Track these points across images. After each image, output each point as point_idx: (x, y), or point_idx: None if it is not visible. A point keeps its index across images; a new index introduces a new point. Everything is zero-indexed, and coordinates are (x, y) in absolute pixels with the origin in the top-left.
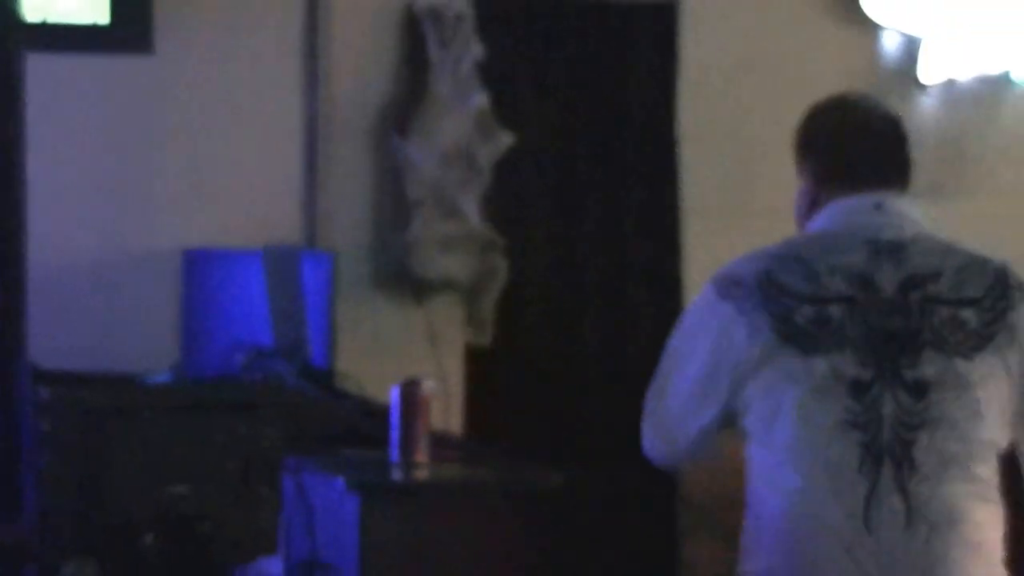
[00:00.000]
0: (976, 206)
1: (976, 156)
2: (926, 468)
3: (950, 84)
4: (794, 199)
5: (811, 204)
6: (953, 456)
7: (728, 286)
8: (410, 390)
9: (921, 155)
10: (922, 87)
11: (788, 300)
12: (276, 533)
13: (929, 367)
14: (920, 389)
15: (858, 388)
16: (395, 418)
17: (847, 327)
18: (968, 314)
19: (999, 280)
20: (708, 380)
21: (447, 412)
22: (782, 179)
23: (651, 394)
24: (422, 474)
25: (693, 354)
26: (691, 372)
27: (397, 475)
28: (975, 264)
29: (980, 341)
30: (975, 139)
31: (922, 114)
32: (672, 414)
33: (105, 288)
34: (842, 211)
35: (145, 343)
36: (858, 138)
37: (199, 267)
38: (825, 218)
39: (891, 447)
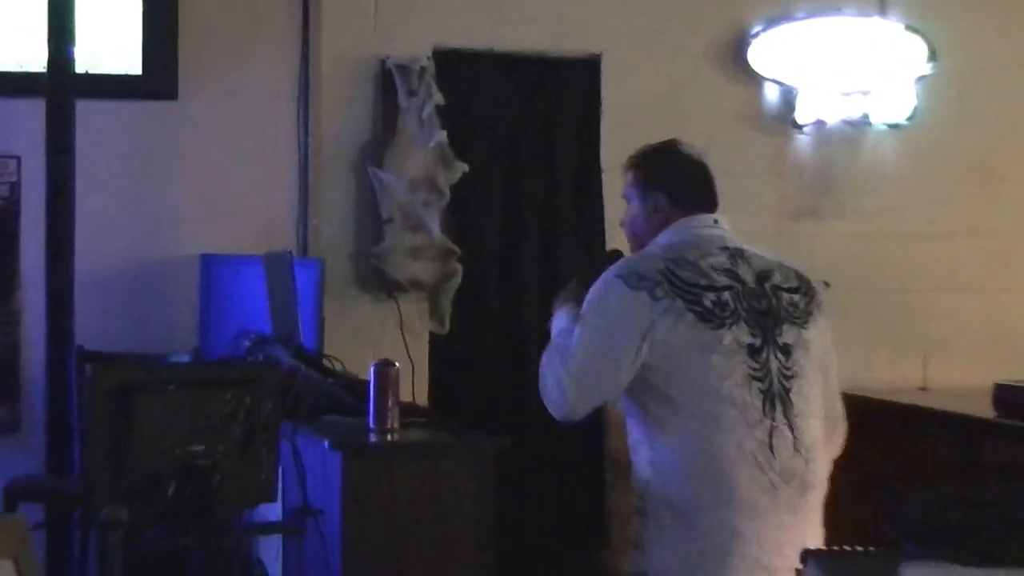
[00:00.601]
0: (843, 225)
1: (842, 184)
2: (799, 408)
3: (820, 125)
4: (629, 221)
5: (663, 222)
6: (812, 398)
7: (637, 280)
8: (383, 369)
9: (799, 184)
10: (798, 127)
11: (695, 290)
12: (274, 484)
13: (788, 335)
14: (787, 351)
15: (753, 351)
16: (371, 392)
17: (737, 308)
18: (797, 298)
19: (798, 275)
20: (633, 352)
21: (414, 387)
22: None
23: (577, 366)
24: (393, 437)
25: (618, 331)
26: (617, 346)
27: (372, 438)
28: (780, 264)
29: (807, 316)
30: (841, 170)
31: (798, 150)
32: (596, 378)
33: (138, 286)
34: (694, 226)
35: (169, 331)
36: (696, 173)
37: (213, 270)
38: (682, 231)
39: (780, 393)
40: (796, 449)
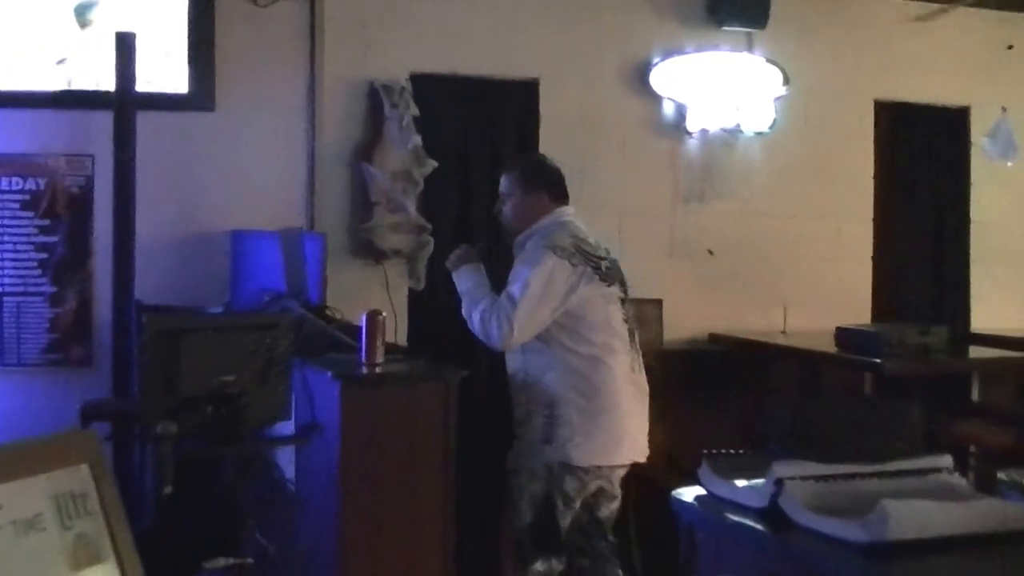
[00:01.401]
0: (722, 207)
1: (721, 176)
2: (638, 344)
3: (705, 132)
4: (513, 209)
5: (542, 211)
6: (635, 335)
7: (559, 250)
8: (372, 317)
9: (689, 176)
10: (688, 133)
11: (594, 259)
12: (288, 406)
13: (624, 292)
14: (625, 303)
15: (622, 302)
16: (363, 335)
17: (611, 272)
18: (618, 266)
19: (605, 250)
20: (559, 300)
21: (396, 332)
22: (601, 187)
23: (523, 312)
24: (379, 370)
25: (551, 289)
26: (551, 299)
27: (364, 370)
28: (598, 242)
29: (623, 280)
30: (720, 166)
31: (688, 151)
32: (535, 319)
33: (182, 254)
34: (568, 215)
35: (206, 289)
36: (560, 176)
37: (241, 242)
38: (561, 217)
39: (632, 331)
40: (642, 369)
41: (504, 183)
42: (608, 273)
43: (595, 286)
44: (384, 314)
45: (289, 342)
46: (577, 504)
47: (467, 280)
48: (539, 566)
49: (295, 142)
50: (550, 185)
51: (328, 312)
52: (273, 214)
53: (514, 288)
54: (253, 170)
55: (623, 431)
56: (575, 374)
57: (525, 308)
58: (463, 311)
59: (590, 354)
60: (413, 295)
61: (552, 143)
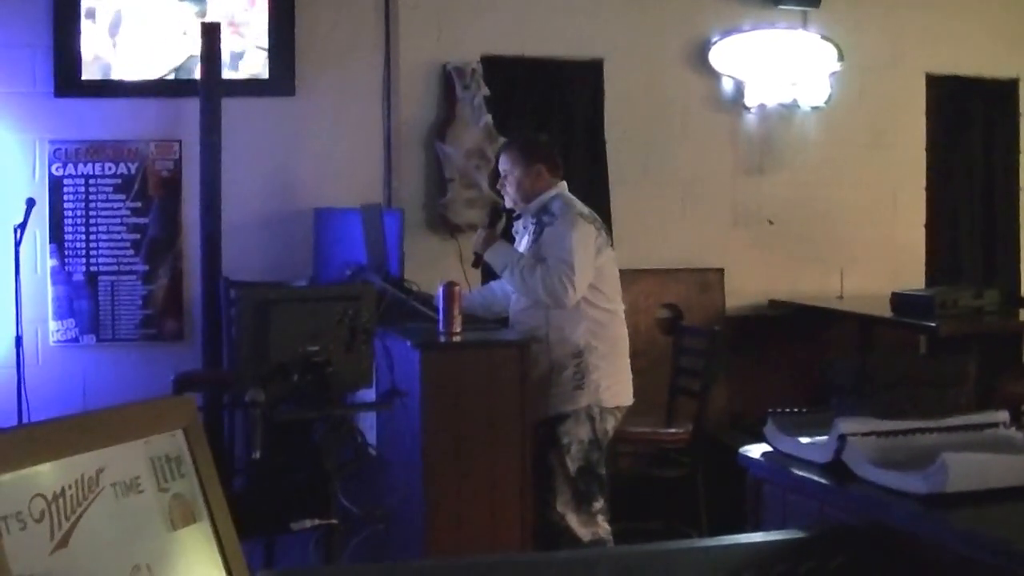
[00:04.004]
0: (780, 178)
1: (779, 149)
2: None
3: (763, 107)
4: (516, 184)
5: (543, 185)
6: None
7: (585, 217)
8: (449, 288)
9: (749, 149)
10: (747, 109)
11: (602, 226)
12: (371, 373)
13: None
14: None
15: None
16: (441, 305)
17: (609, 237)
18: None
19: None
20: (593, 261)
21: None
22: (664, 162)
23: (579, 273)
24: (457, 338)
25: (588, 249)
26: (590, 259)
27: (442, 339)
28: None
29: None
30: (778, 139)
31: (748, 125)
32: (585, 278)
33: (268, 231)
34: (566, 188)
35: (292, 263)
36: (556, 152)
37: (324, 219)
38: (564, 190)
39: None
40: None
41: (503, 161)
42: (609, 238)
43: (608, 249)
44: (460, 285)
45: (371, 313)
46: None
47: (504, 255)
48: (598, 504)
49: (373, 123)
50: (547, 159)
51: (407, 284)
52: (353, 192)
53: (561, 252)
54: (333, 151)
55: (630, 374)
56: (599, 325)
57: (580, 268)
58: (515, 280)
59: (608, 308)
60: (486, 267)
61: (617, 120)
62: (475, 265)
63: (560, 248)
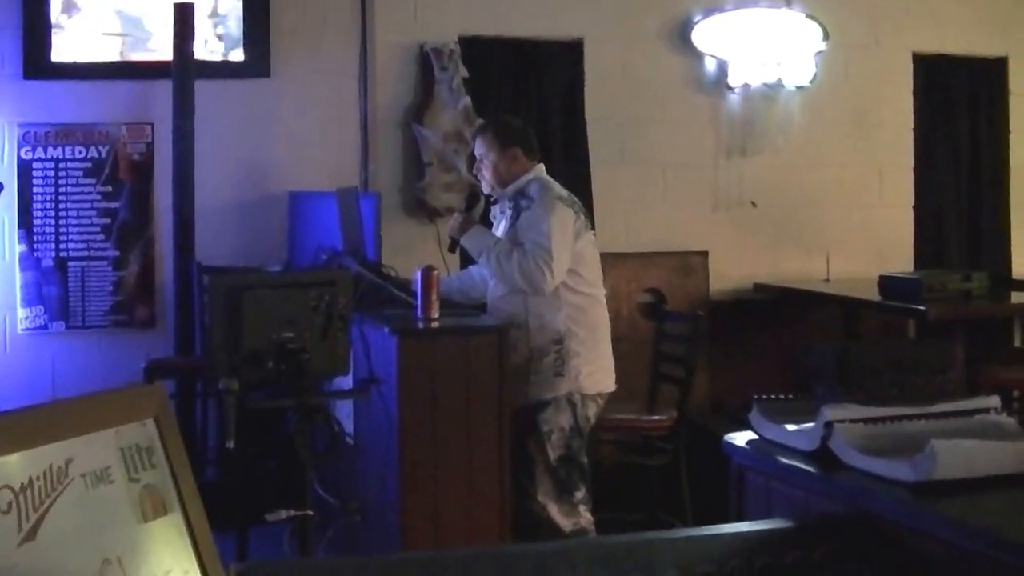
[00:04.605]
0: (764, 159)
1: (762, 130)
2: None
3: (746, 87)
4: (492, 168)
5: (519, 169)
6: None
7: (563, 201)
8: (427, 273)
9: (732, 130)
10: (730, 89)
11: (582, 210)
12: (347, 361)
13: None
14: None
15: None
16: (418, 290)
17: (589, 221)
18: None
19: None
20: (571, 246)
21: None
22: (645, 143)
23: (557, 258)
24: (434, 324)
25: (566, 233)
26: (568, 242)
27: (420, 325)
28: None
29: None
30: (761, 120)
31: (731, 105)
32: (564, 262)
33: (241, 216)
34: (543, 171)
35: (266, 248)
36: (531, 135)
37: (298, 202)
38: (541, 173)
39: None
40: None
41: (478, 145)
42: (588, 221)
43: (588, 233)
44: (438, 270)
45: (347, 299)
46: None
47: (481, 240)
48: (579, 494)
49: (349, 105)
50: (522, 142)
51: (384, 269)
52: (329, 175)
53: (539, 237)
54: (308, 133)
55: (612, 360)
56: (579, 311)
57: (557, 253)
58: (491, 265)
59: (588, 292)
60: (464, 252)
61: (597, 101)
62: (451, 249)
63: (537, 232)
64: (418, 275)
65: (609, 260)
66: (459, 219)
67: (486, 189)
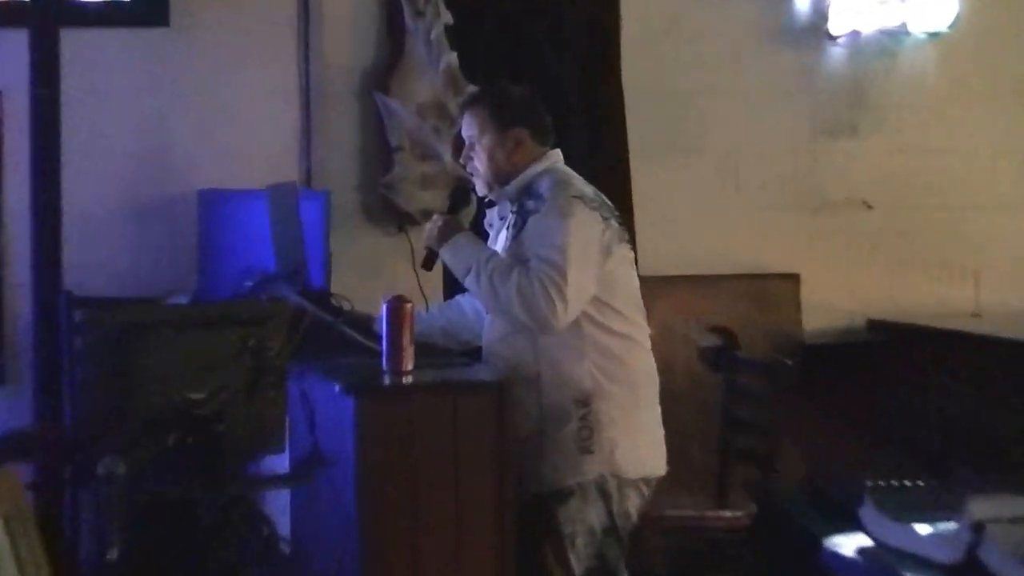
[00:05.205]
0: (880, 141)
1: (878, 98)
2: None
3: (855, 36)
4: (487, 155)
5: (525, 156)
6: None
7: (587, 201)
8: (397, 306)
9: (833, 99)
10: (831, 38)
11: (614, 212)
12: (282, 433)
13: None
14: None
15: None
16: (384, 331)
17: (626, 230)
18: None
19: None
20: (597, 264)
21: None
22: (704, 122)
23: (573, 281)
24: (409, 379)
25: (590, 247)
26: (593, 261)
27: (387, 380)
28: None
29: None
30: (877, 83)
31: (831, 63)
32: (584, 288)
33: (131, 226)
34: (562, 159)
35: (166, 273)
36: (544, 111)
37: (212, 206)
38: (552, 164)
39: None
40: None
41: (468, 124)
42: (624, 230)
43: (624, 247)
44: (412, 302)
45: (282, 343)
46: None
47: (467, 253)
48: None
49: (283, 67)
50: (530, 120)
51: (335, 300)
52: (256, 167)
53: (548, 250)
54: (226, 107)
55: (661, 430)
56: (611, 359)
57: (575, 274)
58: (480, 288)
59: (625, 332)
60: (451, 276)
61: (639, 62)
62: (426, 265)
63: (547, 244)
64: (384, 309)
65: (656, 286)
66: (439, 222)
67: (480, 188)
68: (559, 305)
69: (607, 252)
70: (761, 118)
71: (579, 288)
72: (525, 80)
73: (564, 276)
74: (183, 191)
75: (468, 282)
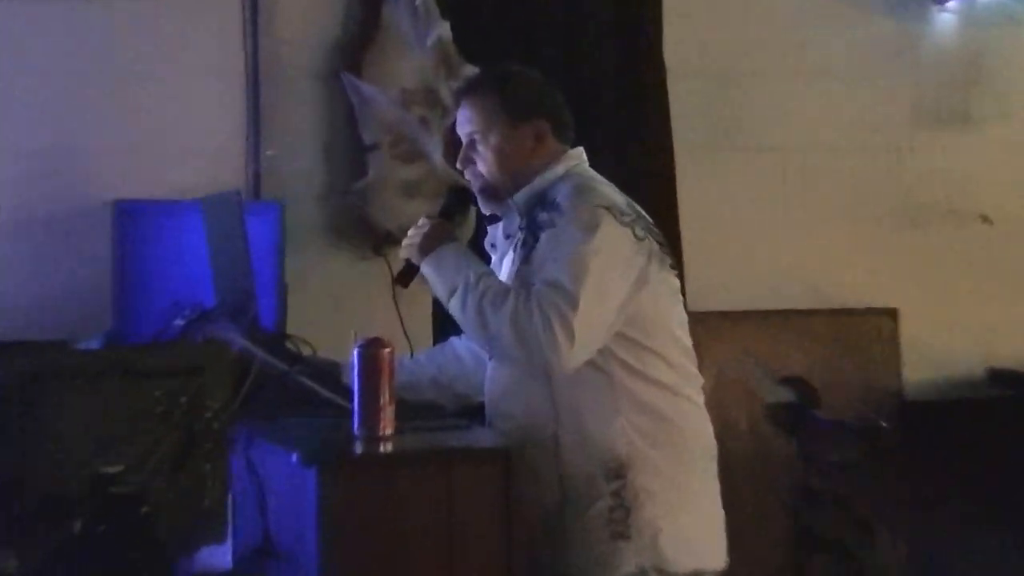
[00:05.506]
0: (1001, 131)
1: (999, 78)
2: None
3: (970, 1)
4: (496, 155)
5: (545, 155)
6: None
7: (617, 214)
8: (372, 352)
9: (942, 80)
10: (939, 3)
11: (651, 227)
12: (223, 516)
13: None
14: None
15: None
16: (356, 383)
17: (668, 252)
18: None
19: None
20: (627, 293)
21: None
22: (767, 112)
23: (585, 310)
24: (387, 446)
25: (614, 269)
26: (617, 289)
27: (359, 447)
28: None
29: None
30: (998, 61)
31: (940, 35)
32: (603, 322)
33: (27, 247)
34: (581, 158)
35: (72, 307)
36: (562, 100)
37: (132, 221)
38: (574, 166)
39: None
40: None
41: (468, 116)
42: (666, 252)
43: (666, 272)
44: (393, 347)
45: (223, 400)
46: None
47: (454, 267)
48: None
49: (223, 41)
50: (551, 112)
51: (291, 344)
52: (188, 171)
53: (556, 270)
54: (150, 94)
55: (720, 511)
56: (652, 417)
57: (588, 303)
58: (467, 315)
59: (669, 382)
60: (442, 311)
61: (685, 36)
62: (401, 280)
63: (557, 264)
64: (355, 355)
65: (707, 325)
66: (425, 228)
67: (482, 201)
68: (563, 342)
69: (642, 279)
70: (843, 106)
71: (593, 322)
72: (539, 58)
73: (573, 304)
74: (94, 202)
75: (452, 306)
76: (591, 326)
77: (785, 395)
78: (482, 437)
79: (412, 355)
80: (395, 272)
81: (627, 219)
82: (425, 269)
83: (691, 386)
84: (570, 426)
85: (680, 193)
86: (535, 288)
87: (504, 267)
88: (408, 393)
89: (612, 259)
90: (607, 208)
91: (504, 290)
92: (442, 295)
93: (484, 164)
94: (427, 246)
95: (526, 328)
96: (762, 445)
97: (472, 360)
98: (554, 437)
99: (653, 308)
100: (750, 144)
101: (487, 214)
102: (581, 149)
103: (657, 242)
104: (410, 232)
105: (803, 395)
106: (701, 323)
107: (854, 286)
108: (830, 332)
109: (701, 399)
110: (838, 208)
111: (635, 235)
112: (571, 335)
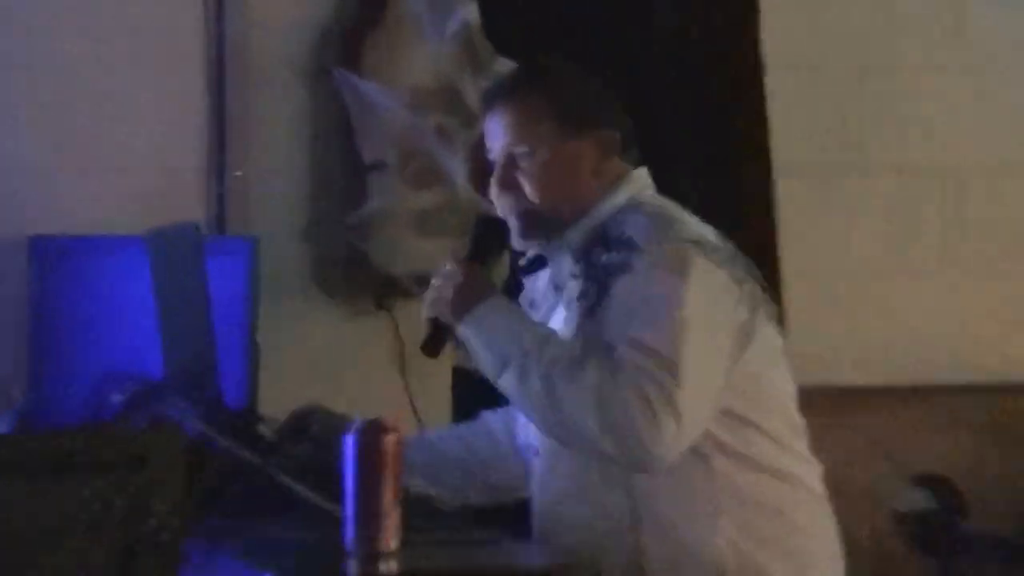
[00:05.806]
0: None
1: None
2: None
3: None
4: (546, 174)
5: (608, 176)
6: None
7: (710, 252)
8: (372, 439)
9: None
10: None
11: (751, 270)
12: None
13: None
14: None
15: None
16: (351, 480)
17: (766, 298)
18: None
19: None
20: (729, 353)
21: None
22: (883, 126)
23: (693, 383)
24: (391, 566)
25: (713, 327)
26: (722, 348)
27: (354, 567)
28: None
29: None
30: None
31: None
32: (709, 393)
33: None
34: (646, 182)
35: None
36: (614, 98)
37: (53, 261)
38: (638, 191)
39: None
40: None
41: (508, 126)
42: (769, 297)
43: (771, 327)
44: (398, 431)
45: (173, 501)
46: None
47: (504, 329)
48: None
49: (181, 28)
50: (613, 121)
51: (263, 426)
52: (131, 196)
53: (647, 331)
54: (85, 99)
55: None
56: (764, 514)
57: (695, 372)
58: (526, 396)
59: (784, 468)
60: (463, 380)
61: (786, 27)
62: (429, 348)
63: (647, 322)
64: (350, 442)
65: (816, 404)
66: (458, 277)
67: (518, 237)
68: (668, 426)
69: (746, 334)
70: (992, 119)
71: (702, 396)
72: (591, 50)
73: (675, 374)
74: (2, 238)
75: (506, 383)
76: (699, 404)
77: (922, 501)
78: (530, 555)
79: (421, 432)
80: (421, 336)
81: (720, 256)
82: (465, 333)
83: (810, 473)
84: (656, 533)
85: (782, 224)
86: (620, 353)
87: (556, 320)
88: (425, 476)
89: (712, 310)
90: (697, 243)
91: (578, 358)
92: (490, 368)
93: (531, 187)
94: (463, 302)
95: (617, 410)
96: (890, 566)
97: (510, 443)
98: (636, 549)
99: (759, 372)
100: (882, 163)
101: (524, 263)
102: (645, 170)
103: (760, 286)
104: (434, 282)
105: (945, 500)
106: (807, 402)
107: (1015, 354)
108: (982, 416)
109: (821, 488)
110: (992, 249)
111: (732, 278)
112: (677, 417)
